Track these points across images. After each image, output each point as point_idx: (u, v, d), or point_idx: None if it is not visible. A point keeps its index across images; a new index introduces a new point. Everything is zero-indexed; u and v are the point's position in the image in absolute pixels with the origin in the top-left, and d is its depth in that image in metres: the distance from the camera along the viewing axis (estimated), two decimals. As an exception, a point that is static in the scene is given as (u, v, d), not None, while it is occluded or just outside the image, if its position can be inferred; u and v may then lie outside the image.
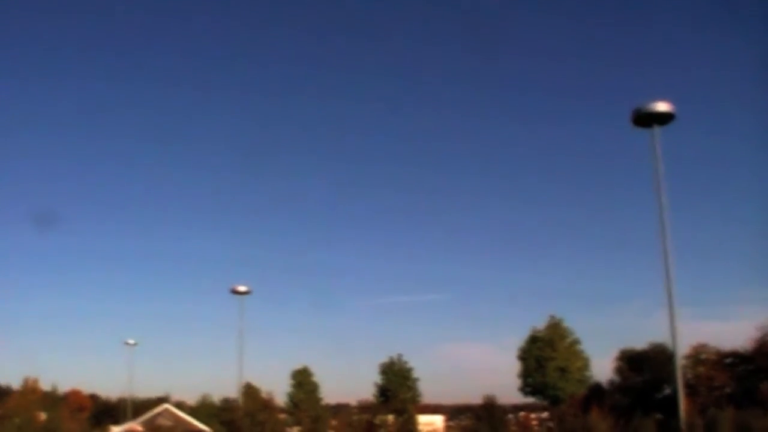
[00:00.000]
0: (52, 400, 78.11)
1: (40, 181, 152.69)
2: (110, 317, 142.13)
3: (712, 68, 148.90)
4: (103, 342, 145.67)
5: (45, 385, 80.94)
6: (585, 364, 64.78)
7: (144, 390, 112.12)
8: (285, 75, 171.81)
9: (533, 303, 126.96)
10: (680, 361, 23.59)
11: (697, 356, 62.56)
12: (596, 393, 67.61)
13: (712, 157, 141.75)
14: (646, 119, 22.58)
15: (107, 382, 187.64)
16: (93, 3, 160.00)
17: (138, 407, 77.95)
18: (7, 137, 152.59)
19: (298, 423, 77.64)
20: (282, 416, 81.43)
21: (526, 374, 65.11)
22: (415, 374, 76.35)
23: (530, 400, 70.16)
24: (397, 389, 74.23)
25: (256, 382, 79.33)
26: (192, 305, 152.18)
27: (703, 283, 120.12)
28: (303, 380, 78.91)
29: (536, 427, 76.47)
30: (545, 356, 63.25)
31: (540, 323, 66.23)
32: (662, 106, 22.32)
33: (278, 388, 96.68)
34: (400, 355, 76.47)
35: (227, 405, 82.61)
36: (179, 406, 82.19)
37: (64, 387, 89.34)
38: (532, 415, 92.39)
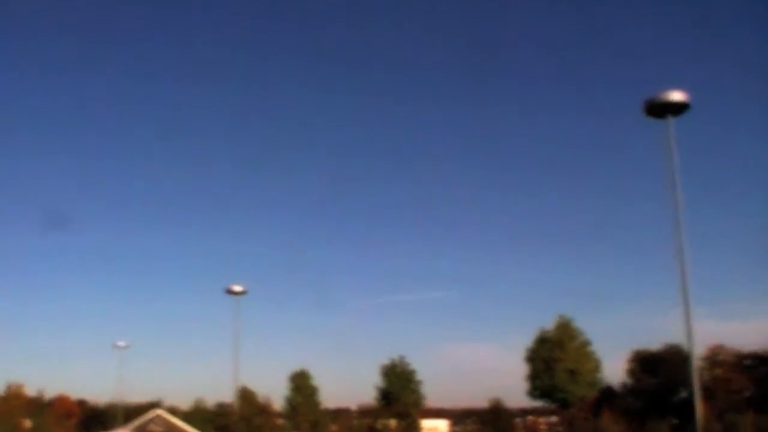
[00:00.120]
0: (38, 407, 78.29)
1: (24, 180, 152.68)
2: (99, 318, 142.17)
3: (727, 58, 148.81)
4: (92, 345, 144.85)
5: (30, 391, 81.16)
6: (596, 366, 64.85)
7: (135, 395, 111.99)
8: (283, 69, 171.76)
9: (541, 301, 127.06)
10: (696, 363, 23.56)
11: (714, 357, 62.77)
12: (608, 396, 67.84)
13: (728, 150, 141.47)
14: (660, 109, 22.50)
15: (96, 386, 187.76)
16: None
17: (129, 413, 78.00)
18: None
19: (296, 428, 77.80)
20: (279, 421, 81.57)
21: (534, 376, 65.16)
22: (418, 376, 76.44)
23: (538, 403, 70.29)
24: (399, 392, 74.29)
25: (253, 386, 79.55)
26: (185, 305, 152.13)
27: (720, 281, 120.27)
28: (301, 383, 78.96)
29: (545, 432, 76.62)
30: (554, 357, 63.26)
31: (548, 323, 66.38)
32: (676, 96, 22.24)
33: (275, 392, 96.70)
34: (402, 357, 76.64)
35: (222, 410, 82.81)
36: (172, 411, 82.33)
37: (50, 392, 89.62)
38: (541, 420, 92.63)
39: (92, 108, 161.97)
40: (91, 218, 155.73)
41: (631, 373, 68.46)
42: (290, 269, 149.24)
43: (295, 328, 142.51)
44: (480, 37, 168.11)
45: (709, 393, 52.08)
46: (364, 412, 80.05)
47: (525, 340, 67.05)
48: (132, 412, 79.94)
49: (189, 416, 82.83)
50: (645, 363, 67.10)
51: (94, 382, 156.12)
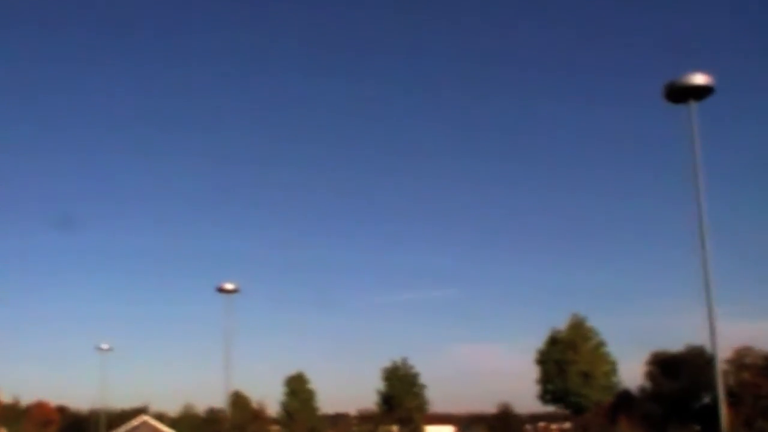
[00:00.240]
0: (14, 414, 78.54)
1: (3, 180, 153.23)
2: (80, 319, 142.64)
3: (754, 41, 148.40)
4: (73, 347, 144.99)
5: (5, 397, 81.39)
6: (611, 369, 64.93)
7: (120, 400, 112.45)
8: (282, 62, 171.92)
9: (553, 300, 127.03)
10: (721, 366, 23.42)
11: (741, 360, 62.64)
12: (625, 401, 67.87)
13: (754, 138, 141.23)
14: (681, 93, 22.33)
15: (78, 392, 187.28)
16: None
17: (113, 419, 78.10)
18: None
19: (291, 435, 77.97)
20: (274, 428, 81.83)
21: (545, 380, 65.26)
22: (422, 380, 76.75)
23: (550, 408, 70.34)
24: (401, 397, 74.45)
25: (246, 391, 79.89)
26: (174, 305, 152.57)
27: (746, 277, 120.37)
28: (297, 388, 79.10)
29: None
30: (567, 360, 63.31)
31: (561, 323, 66.52)
32: (699, 79, 22.07)
33: (270, 397, 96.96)
34: (405, 359, 76.88)
35: (213, 416, 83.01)
36: (159, 417, 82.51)
37: (27, 398, 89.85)
38: (553, 426, 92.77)
39: (82, 103, 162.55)
40: (74, 216, 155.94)
41: (650, 376, 68.49)
42: (286, 267, 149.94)
43: (290, 328, 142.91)
44: (489, 19, 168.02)
45: (735, 398, 52.09)
46: (365, 418, 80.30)
47: (536, 340, 67.39)
48: (116, 418, 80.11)
49: (177, 423, 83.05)
50: (665, 365, 67.12)
51: (75, 387, 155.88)
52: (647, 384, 69.03)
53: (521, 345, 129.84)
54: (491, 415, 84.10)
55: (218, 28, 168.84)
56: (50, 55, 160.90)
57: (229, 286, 43.38)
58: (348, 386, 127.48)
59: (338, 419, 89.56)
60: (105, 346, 69.97)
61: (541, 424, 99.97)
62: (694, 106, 22.36)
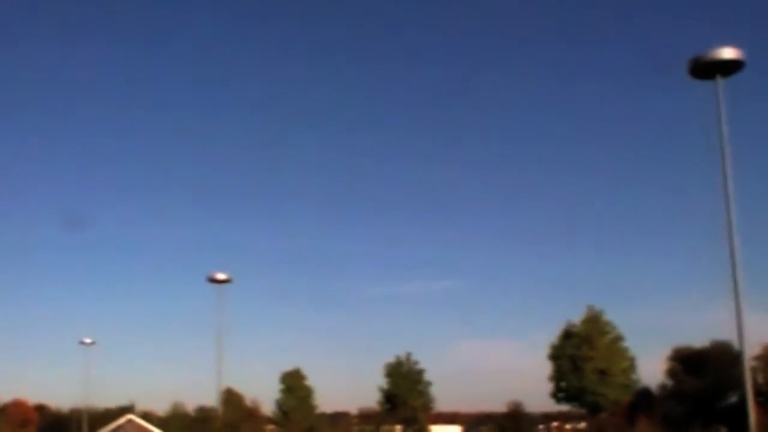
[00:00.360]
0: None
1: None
2: (62, 313, 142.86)
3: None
4: (54, 342, 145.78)
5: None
6: (630, 365, 64.86)
7: (104, 399, 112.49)
8: (276, 52, 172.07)
9: (567, 292, 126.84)
10: (748, 363, 23.33)
11: (770, 356, 62.67)
12: (644, 400, 67.93)
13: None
14: (708, 69, 22.11)
15: (58, 390, 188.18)
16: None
17: (96, 419, 78.31)
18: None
19: (288, 435, 78.13)
20: (269, 427, 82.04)
21: (558, 377, 65.28)
22: (427, 377, 76.82)
23: (564, 407, 70.44)
24: (405, 395, 74.54)
25: (239, 388, 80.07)
26: (162, 297, 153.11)
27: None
28: (294, 384, 79.18)
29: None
30: (582, 356, 63.29)
31: (576, 316, 66.44)
32: (727, 53, 21.85)
33: (265, 395, 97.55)
34: (409, 354, 76.95)
35: (204, 415, 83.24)
36: (146, 416, 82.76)
37: (3, 397, 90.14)
38: (567, 426, 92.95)
39: (67, 89, 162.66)
40: (56, 204, 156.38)
41: (672, 373, 68.53)
42: (282, 258, 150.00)
43: (287, 322, 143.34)
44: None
45: (764, 397, 52.13)
46: (366, 417, 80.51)
47: (549, 335, 67.32)
48: (100, 417, 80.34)
49: (165, 422, 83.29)
50: (688, 362, 67.14)
51: (55, 385, 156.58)
52: (668, 382, 69.14)
53: (532, 340, 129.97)
54: (501, 414, 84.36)
55: (213, 16, 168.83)
56: (41, 37, 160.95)
57: (220, 276, 43.26)
58: (348, 383, 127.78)
59: (338, 418, 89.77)
60: (88, 340, 70.06)
61: (555, 424, 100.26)
62: (720, 82, 22.16)
